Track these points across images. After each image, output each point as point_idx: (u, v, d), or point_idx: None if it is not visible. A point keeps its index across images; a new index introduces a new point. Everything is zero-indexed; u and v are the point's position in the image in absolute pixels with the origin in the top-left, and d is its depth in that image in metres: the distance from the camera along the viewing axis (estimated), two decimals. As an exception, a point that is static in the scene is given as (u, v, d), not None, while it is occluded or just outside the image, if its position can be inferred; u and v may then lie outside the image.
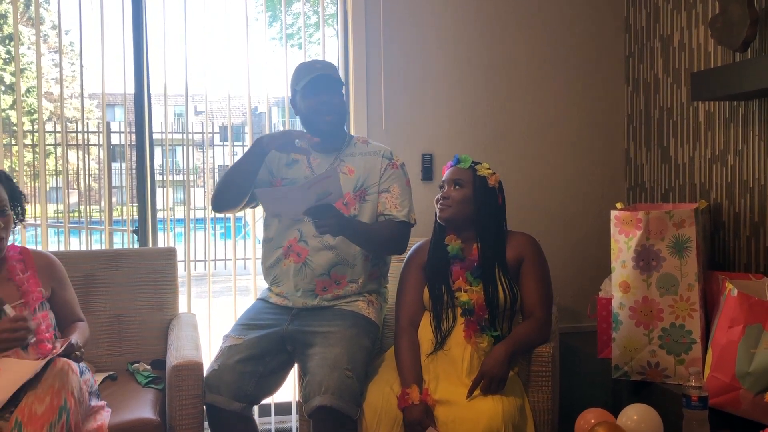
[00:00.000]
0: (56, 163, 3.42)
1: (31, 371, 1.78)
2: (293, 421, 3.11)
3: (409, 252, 2.38)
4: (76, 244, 3.75)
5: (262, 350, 2.16)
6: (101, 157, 3.90)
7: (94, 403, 1.97)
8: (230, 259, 6.08)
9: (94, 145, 4.44)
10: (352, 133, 3.02)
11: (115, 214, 4.27)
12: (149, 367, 2.41)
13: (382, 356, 2.30)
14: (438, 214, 2.29)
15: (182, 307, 2.72)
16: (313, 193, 2.00)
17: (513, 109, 3.19)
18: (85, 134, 3.63)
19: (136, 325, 2.55)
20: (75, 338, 1.97)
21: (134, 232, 2.99)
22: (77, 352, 1.92)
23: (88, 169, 4.28)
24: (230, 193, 2.25)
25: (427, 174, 3.11)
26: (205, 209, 6.88)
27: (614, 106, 3.29)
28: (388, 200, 2.32)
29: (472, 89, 3.15)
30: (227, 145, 6.43)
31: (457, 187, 2.27)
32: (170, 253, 2.64)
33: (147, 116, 2.96)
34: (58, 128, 3.49)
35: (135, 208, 3.03)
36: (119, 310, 2.55)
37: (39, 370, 1.79)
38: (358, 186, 2.32)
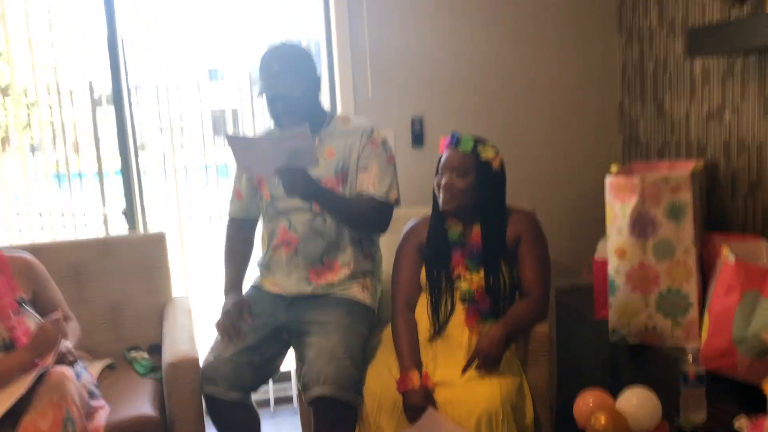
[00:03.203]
0: (39, 116, 3.34)
1: (23, 387, 1.76)
2: (293, 389, 3.13)
3: (403, 231, 2.33)
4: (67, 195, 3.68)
5: (258, 341, 2.15)
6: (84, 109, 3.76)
7: (94, 403, 1.97)
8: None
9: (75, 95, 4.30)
10: (338, 103, 2.93)
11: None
12: (147, 356, 2.41)
13: (379, 336, 2.29)
14: (441, 206, 2.18)
15: (176, 291, 2.70)
16: (284, 150, 1.93)
17: (503, 65, 3.09)
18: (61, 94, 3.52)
19: (131, 312, 2.54)
20: (63, 344, 1.94)
21: (123, 214, 2.94)
22: (69, 357, 1.90)
23: (74, 124, 4.17)
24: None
25: (418, 140, 3.04)
26: (180, 154, 6.70)
27: (607, 57, 3.20)
28: (366, 179, 2.23)
29: (460, 48, 3.04)
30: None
31: (460, 176, 2.14)
32: (160, 238, 2.61)
33: (123, 63, 2.85)
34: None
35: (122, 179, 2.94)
36: (112, 298, 2.53)
37: (32, 384, 1.77)
38: (339, 169, 2.24)
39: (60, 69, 3.32)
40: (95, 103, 3.90)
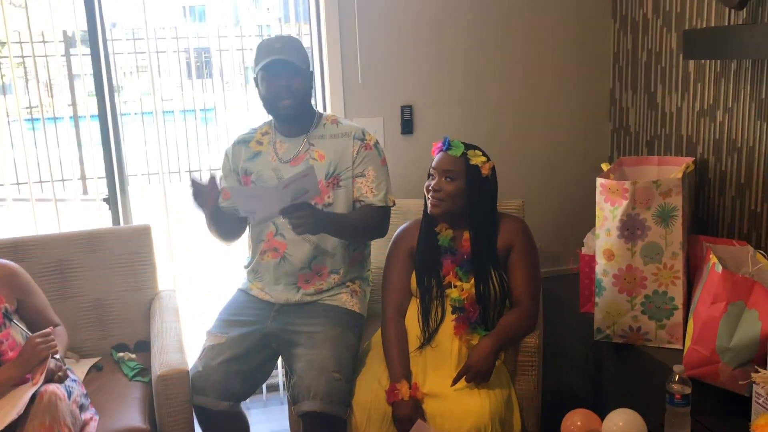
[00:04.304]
0: (10, 57, 3.17)
1: (15, 409, 1.74)
2: (279, 376, 3.16)
3: (394, 234, 2.31)
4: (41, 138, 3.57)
5: (246, 349, 2.14)
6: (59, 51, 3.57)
7: (84, 416, 1.96)
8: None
9: (50, 42, 4.11)
10: (327, 90, 2.87)
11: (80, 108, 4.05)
12: (134, 356, 2.40)
13: (369, 342, 2.29)
14: (429, 209, 2.17)
15: (162, 283, 2.67)
16: (289, 192, 1.91)
17: (495, 51, 3.03)
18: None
19: (117, 308, 2.51)
20: (53, 358, 1.91)
21: (105, 200, 2.87)
22: (59, 373, 1.88)
23: (47, 59, 4.03)
24: (227, 234, 2.29)
25: (407, 127, 2.99)
26: (171, 99, 6.50)
27: (600, 44, 3.14)
28: (364, 185, 2.23)
29: (451, 35, 2.96)
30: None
31: (449, 179, 2.14)
32: (145, 230, 2.56)
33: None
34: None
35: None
36: (98, 294, 2.50)
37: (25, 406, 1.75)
38: (330, 173, 2.22)
39: (31, 8, 3.16)
40: (68, 44, 3.75)
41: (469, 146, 2.18)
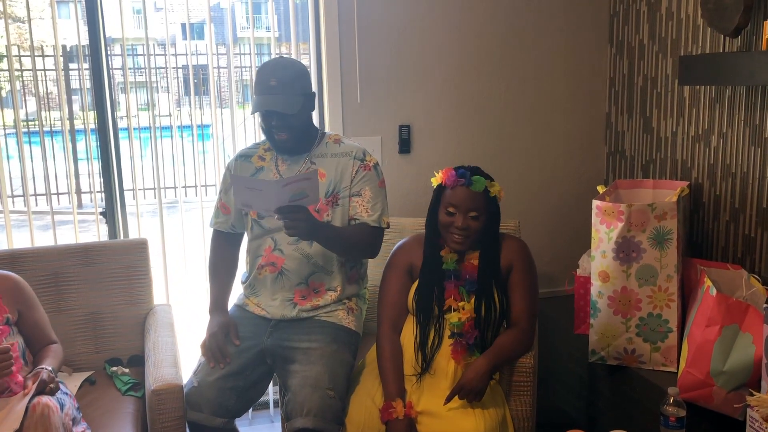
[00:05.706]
0: (10, 65, 3.13)
1: (11, 424, 1.74)
2: (270, 394, 3.14)
3: (393, 249, 2.31)
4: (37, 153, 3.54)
5: (242, 365, 2.13)
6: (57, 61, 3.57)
7: (76, 430, 1.95)
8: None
9: (49, 56, 4.07)
10: (326, 109, 2.89)
11: (76, 122, 4.03)
12: (127, 371, 2.38)
13: (363, 360, 2.28)
14: (451, 245, 2.14)
15: (158, 297, 2.67)
16: (288, 191, 1.90)
17: (492, 73, 3.06)
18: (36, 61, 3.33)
19: (111, 322, 2.50)
20: (46, 369, 1.91)
21: (102, 214, 2.88)
22: (51, 385, 1.87)
23: (45, 73, 4.02)
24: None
25: (405, 146, 3.01)
26: (170, 115, 6.55)
27: (596, 68, 3.18)
28: (359, 204, 2.23)
29: (450, 56, 3.00)
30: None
31: (475, 218, 2.12)
32: (142, 245, 2.56)
33: (100, 13, 2.75)
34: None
35: (95, 115, 2.80)
36: (92, 307, 2.49)
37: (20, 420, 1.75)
38: (330, 191, 2.23)
39: (33, 23, 3.16)
40: (68, 58, 3.75)
41: (483, 176, 2.15)
